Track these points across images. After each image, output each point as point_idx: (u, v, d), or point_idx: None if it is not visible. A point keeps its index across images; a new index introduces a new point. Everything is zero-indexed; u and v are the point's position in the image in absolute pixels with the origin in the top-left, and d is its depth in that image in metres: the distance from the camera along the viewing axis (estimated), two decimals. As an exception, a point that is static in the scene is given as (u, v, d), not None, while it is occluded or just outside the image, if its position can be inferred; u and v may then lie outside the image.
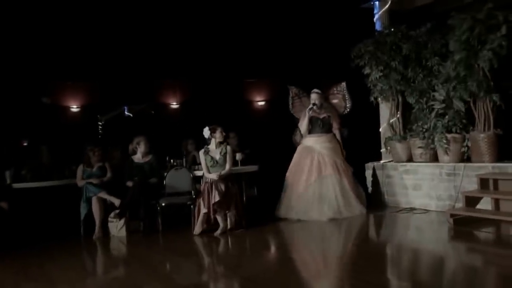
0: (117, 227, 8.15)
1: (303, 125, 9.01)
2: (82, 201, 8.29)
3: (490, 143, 7.99)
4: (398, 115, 9.60)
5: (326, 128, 8.99)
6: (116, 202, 8.18)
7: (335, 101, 9.27)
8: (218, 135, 8.00)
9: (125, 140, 9.68)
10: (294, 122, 9.35)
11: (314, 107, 8.87)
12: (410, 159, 9.34)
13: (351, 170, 8.94)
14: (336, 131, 9.06)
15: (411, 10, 10.08)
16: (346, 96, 9.18)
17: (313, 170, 8.70)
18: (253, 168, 9.44)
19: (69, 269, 6.26)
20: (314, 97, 8.95)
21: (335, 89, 9.30)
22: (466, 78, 7.98)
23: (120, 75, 11.42)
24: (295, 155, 9.04)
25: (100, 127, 9.88)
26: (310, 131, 9.01)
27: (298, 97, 9.41)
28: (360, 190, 8.97)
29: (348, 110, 9.20)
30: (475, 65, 7.86)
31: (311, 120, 8.97)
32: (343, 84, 9.22)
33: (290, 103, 9.44)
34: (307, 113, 8.92)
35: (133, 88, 11.47)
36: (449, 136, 8.44)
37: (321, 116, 8.98)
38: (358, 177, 9.16)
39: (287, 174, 8.92)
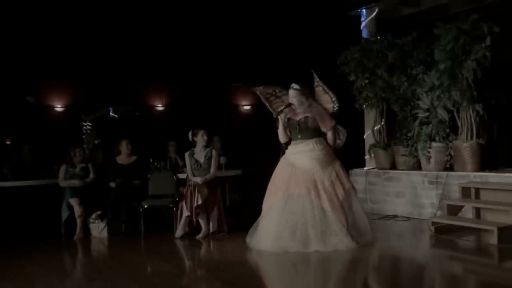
0: (98, 228, 8.11)
1: (279, 134, 7.09)
2: (63, 204, 8.24)
3: (473, 152, 8.06)
4: (383, 123, 9.67)
5: (308, 132, 6.92)
6: (78, 212, 8.14)
7: (322, 97, 7.21)
8: (200, 139, 7.98)
9: (109, 141, 9.65)
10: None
11: (286, 110, 6.96)
12: (393, 167, 9.40)
13: (346, 186, 6.82)
14: (329, 133, 7.04)
15: (398, 18, 10.20)
16: (325, 88, 7.11)
17: (280, 189, 6.81)
18: (236, 172, 9.45)
19: (48, 270, 6.19)
20: (292, 94, 6.98)
21: (315, 81, 7.24)
22: (450, 88, 8.06)
23: (106, 76, 11.36)
24: (274, 171, 7.13)
25: (88, 127, 9.83)
26: (292, 138, 7.09)
27: (276, 97, 7.44)
28: (360, 213, 6.88)
29: (336, 105, 7.09)
30: (459, 75, 7.94)
31: (289, 123, 7.04)
32: (314, 74, 7.21)
33: (268, 106, 7.46)
34: (279, 120, 7.00)
35: (119, 89, 11.41)
36: (432, 144, 8.50)
37: (298, 118, 6.98)
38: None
39: (266, 193, 7.06)
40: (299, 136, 6.98)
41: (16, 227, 8.12)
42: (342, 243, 6.48)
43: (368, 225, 6.91)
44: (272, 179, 7.04)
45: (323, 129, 7.02)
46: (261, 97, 7.50)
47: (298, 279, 5.73)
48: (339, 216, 6.58)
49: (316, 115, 6.97)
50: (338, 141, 7.19)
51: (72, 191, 8.23)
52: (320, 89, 7.18)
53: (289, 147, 7.09)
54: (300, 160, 6.86)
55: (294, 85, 6.98)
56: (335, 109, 7.12)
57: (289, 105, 6.99)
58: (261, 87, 7.49)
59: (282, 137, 7.09)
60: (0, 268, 6.40)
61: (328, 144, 7.05)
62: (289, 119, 7.02)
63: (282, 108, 7.01)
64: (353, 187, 7.01)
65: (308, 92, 7.07)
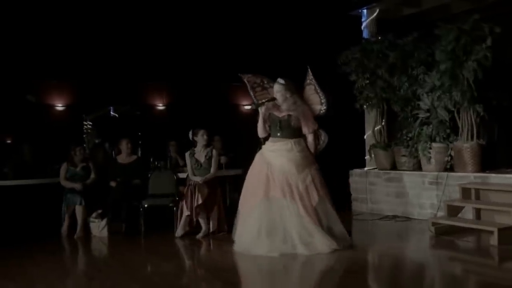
0: (98, 228, 8.10)
1: (258, 127, 6.89)
2: (63, 204, 8.24)
3: (473, 153, 8.06)
4: (383, 123, 9.66)
5: (288, 131, 6.71)
6: (79, 215, 8.13)
7: (311, 97, 6.99)
8: (200, 138, 7.99)
9: (110, 140, 9.67)
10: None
11: (268, 104, 6.73)
12: (393, 167, 9.39)
13: (321, 191, 6.58)
14: (310, 136, 6.85)
15: (398, 19, 10.19)
16: (317, 87, 6.89)
17: (259, 189, 6.60)
18: (237, 172, 9.45)
19: (48, 269, 6.20)
20: (276, 89, 6.75)
21: (308, 78, 7.03)
22: (450, 88, 8.05)
23: (107, 75, 11.37)
24: (250, 168, 6.96)
25: (89, 126, 9.85)
26: (270, 134, 6.88)
27: (263, 88, 7.18)
28: (334, 219, 6.64)
29: (324, 108, 6.87)
30: (460, 75, 7.93)
31: (270, 119, 6.82)
32: (308, 70, 7.03)
33: (252, 95, 7.22)
34: (260, 113, 6.80)
35: (119, 88, 11.43)
36: (433, 145, 8.50)
37: (281, 115, 6.75)
38: (340, 183, 9.06)
39: (242, 191, 6.95)
40: (278, 134, 6.75)
41: (16, 226, 8.12)
42: (325, 245, 6.32)
43: (344, 230, 6.65)
44: (248, 177, 6.86)
45: (304, 130, 6.81)
46: (248, 85, 7.20)
47: (297, 278, 5.73)
48: (313, 220, 6.40)
49: (300, 114, 6.75)
50: (318, 146, 6.93)
51: (72, 192, 8.22)
52: (311, 87, 6.95)
53: (267, 143, 6.87)
54: (276, 159, 6.64)
55: (280, 80, 6.75)
56: (322, 112, 6.89)
57: (273, 99, 6.78)
58: (249, 75, 7.21)
59: (260, 131, 6.87)
60: (1, 267, 6.39)
61: (307, 146, 6.83)
62: (270, 114, 6.80)
63: (264, 100, 6.79)
64: (327, 193, 6.69)
65: (294, 88, 6.81)
